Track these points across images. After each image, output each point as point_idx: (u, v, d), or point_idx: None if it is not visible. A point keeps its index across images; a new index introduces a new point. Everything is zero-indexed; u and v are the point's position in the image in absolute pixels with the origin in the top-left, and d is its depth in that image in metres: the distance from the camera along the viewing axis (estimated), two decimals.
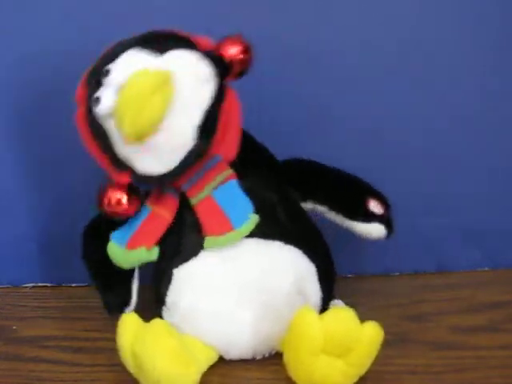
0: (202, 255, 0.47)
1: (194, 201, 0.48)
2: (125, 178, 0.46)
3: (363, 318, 0.44)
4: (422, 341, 0.52)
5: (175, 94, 0.43)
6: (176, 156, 0.45)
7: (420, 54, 0.61)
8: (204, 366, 0.47)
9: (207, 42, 0.47)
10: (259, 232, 0.47)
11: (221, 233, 0.46)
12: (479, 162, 0.64)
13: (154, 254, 0.48)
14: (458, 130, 0.63)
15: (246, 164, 0.49)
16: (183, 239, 0.48)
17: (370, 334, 0.43)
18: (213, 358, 0.48)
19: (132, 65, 0.44)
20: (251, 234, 0.47)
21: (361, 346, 0.43)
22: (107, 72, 0.44)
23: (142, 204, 0.48)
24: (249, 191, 0.48)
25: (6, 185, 0.62)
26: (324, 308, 0.49)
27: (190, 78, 0.44)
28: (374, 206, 0.51)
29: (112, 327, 0.54)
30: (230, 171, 0.48)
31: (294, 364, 0.45)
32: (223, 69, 0.46)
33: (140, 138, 0.43)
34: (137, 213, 0.48)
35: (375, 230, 0.51)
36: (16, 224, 0.63)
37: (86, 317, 0.57)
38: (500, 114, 0.63)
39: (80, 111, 0.46)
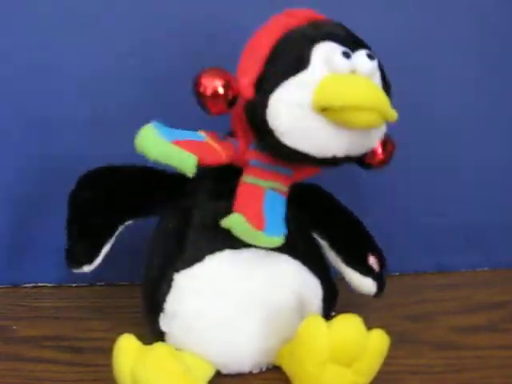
0: (207, 260, 0.45)
1: (247, 179, 0.45)
2: (250, 91, 0.42)
3: (363, 319, 0.43)
4: (422, 341, 0.52)
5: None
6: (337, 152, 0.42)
7: (420, 53, 0.61)
8: None
9: None
10: None
11: (251, 222, 0.43)
12: (479, 162, 0.64)
13: (192, 165, 0.42)
14: (457, 129, 0.63)
15: None
16: (187, 241, 0.46)
17: (377, 342, 0.43)
18: (210, 375, 0.46)
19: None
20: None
21: (368, 354, 0.42)
22: (348, 55, 0.42)
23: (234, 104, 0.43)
24: None
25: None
26: None
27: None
28: (374, 263, 0.50)
29: (112, 327, 0.54)
30: (287, 189, 0.46)
31: (301, 375, 0.44)
32: None
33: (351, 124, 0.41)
34: (231, 108, 0.43)
35: (367, 285, 0.50)
36: (16, 223, 0.63)
37: (85, 317, 0.57)
38: (500, 113, 0.63)
39: (283, 21, 0.44)
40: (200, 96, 0.42)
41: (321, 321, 0.42)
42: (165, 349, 0.42)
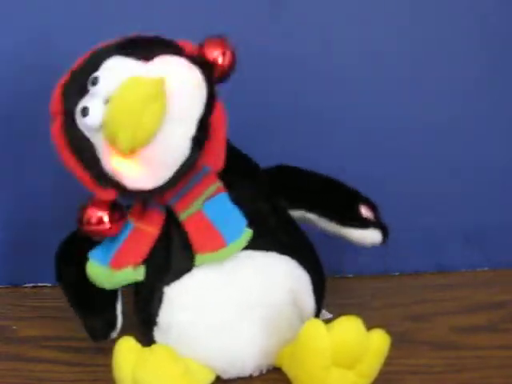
0: (195, 271, 0.45)
1: (182, 216, 0.45)
2: (110, 195, 0.43)
3: (363, 319, 0.43)
4: (422, 341, 0.52)
5: (169, 103, 0.40)
6: (170, 169, 0.42)
7: (420, 53, 0.61)
8: None
9: (191, 45, 0.44)
10: (253, 244, 0.45)
11: (213, 249, 0.44)
12: (479, 162, 0.64)
13: (140, 272, 0.46)
14: (457, 129, 0.63)
15: (231, 174, 0.47)
16: (173, 255, 0.46)
17: (378, 343, 0.43)
18: (211, 380, 0.46)
19: (120, 73, 0.41)
20: (245, 246, 0.45)
21: (369, 355, 0.42)
22: (95, 80, 0.41)
23: (124, 221, 0.45)
24: (238, 202, 0.46)
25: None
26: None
27: (182, 86, 0.41)
28: (366, 212, 0.50)
29: None
30: (218, 184, 0.46)
31: (303, 378, 0.43)
32: (210, 74, 0.43)
33: (134, 151, 0.40)
34: (119, 231, 0.45)
35: (371, 236, 0.50)
36: (16, 223, 0.63)
37: None
38: (500, 113, 0.63)
39: (57, 124, 0.43)
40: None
41: (321, 323, 0.42)
42: (165, 350, 0.42)
